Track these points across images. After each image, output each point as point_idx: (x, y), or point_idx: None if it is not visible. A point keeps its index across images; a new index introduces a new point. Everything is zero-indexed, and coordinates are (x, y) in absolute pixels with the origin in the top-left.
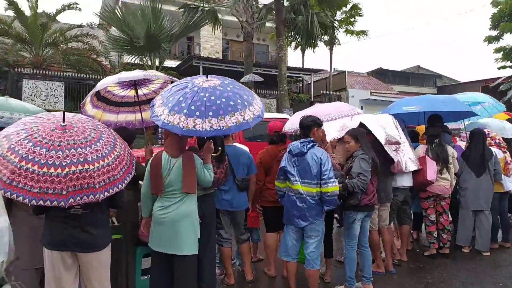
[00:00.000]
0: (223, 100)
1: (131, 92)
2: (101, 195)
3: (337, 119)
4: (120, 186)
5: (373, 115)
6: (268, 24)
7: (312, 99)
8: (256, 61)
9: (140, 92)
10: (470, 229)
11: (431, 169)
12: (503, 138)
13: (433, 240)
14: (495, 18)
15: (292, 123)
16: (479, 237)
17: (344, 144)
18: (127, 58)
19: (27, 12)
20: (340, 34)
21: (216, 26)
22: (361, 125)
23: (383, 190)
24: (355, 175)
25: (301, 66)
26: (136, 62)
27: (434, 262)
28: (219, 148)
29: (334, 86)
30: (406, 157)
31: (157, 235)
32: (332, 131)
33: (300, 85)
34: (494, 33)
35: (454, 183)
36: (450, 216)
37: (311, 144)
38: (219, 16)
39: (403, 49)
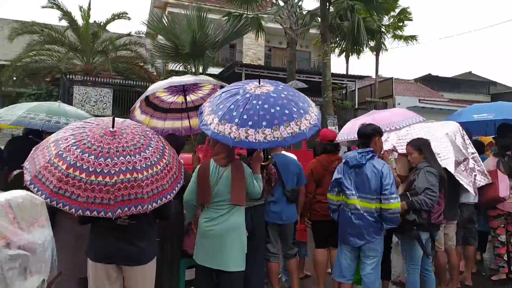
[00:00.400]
0: (278, 108)
1: (179, 99)
2: (150, 206)
3: (401, 128)
4: (168, 196)
5: (438, 123)
6: (311, 30)
7: (357, 106)
8: (299, 68)
9: (188, 98)
10: None
11: (504, 184)
12: None
13: (503, 264)
14: None
15: (347, 131)
16: None
17: (405, 156)
18: (172, 66)
19: (80, 22)
20: (388, 39)
21: (259, 33)
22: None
23: (449, 206)
24: (421, 190)
25: (345, 73)
26: (180, 69)
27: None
28: (269, 156)
29: (379, 93)
30: (476, 170)
31: (203, 249)
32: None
33: (344, 92)
34: None
35: None
36: None
37: (371, 155)
38: (263, 23)
39: (454, 55)
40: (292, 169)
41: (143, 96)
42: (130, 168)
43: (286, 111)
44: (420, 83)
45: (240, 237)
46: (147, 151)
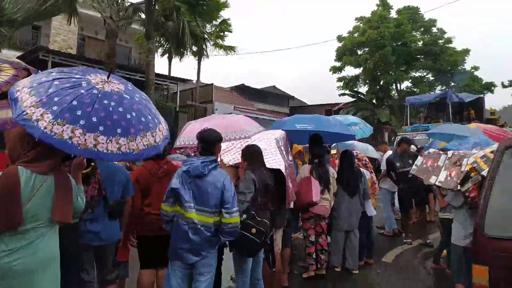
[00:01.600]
0: (134, 114)
1: None
2: None
3: (250, 137)
4: None
5: (269, 131)
6: (133, 25)
7: (178, 109)
8: (118, 62)
9: None
10: (341, 248)
11: (316, 189)
12: (368, 158)
13: (312, 262)
14: (339, 52)
15: (187, 135)
16: (349, 256)
17: (232, 167)
18: None
19: None
20: (210, 46)
21: (72, 18)
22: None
23: (279, 214)
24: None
25: (167, 74)
26: None
27: (312, 284)
28: (92, 164)
29: (200, 98)
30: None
31: None
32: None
33: (165, 93)
34: (338, 64)
35: (333, 203)
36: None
37: (214, 164)
38: (77, 7)
39: (262, 69)
40: (119, 179)
41: None
42: None
43: (143, 119)
44: (235, 92)
45: (55, 272)
46: None
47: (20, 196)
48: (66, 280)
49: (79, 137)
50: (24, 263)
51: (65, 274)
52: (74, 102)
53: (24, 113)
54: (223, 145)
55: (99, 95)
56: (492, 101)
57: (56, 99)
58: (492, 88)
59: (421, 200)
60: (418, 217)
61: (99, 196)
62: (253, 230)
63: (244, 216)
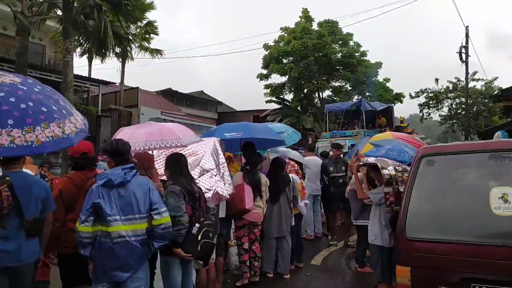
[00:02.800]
0: (30, 104)
1: None
2: None
3: (187, 145)
4: None
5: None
6: (48, 22)
7: (100, 113)
8: (30, 62)
9: None
10: (273, 254)
11: (249, 196)
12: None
13: (246, 270)
14: (266, 59)
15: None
16: (281, 261)
17: None
18: None
19: None
20: (135, 48)
21: None
22: None
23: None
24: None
25: (87, 76)
26: None
27: None
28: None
29: (124, 102)
30: (225, 179)
31: None
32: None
33: (86, 96)
34: (265, 71)
35: (265, 210)
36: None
37: (135, 171)
38: None
39: (190, 74)
40: (36, 192)
41: None
42: None
43: (43, 109)
44: (162, 96)
45: None
46: None
47: None
48: None
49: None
50: None
51: None
52: None
53: None
54: (155, 152)
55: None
56: (401, 110)
57: None
58: (401, 98)
59: (347, 205)
60: (343, 220)
61: (9, 211)
62: (211, 235)
63: (197, 225)
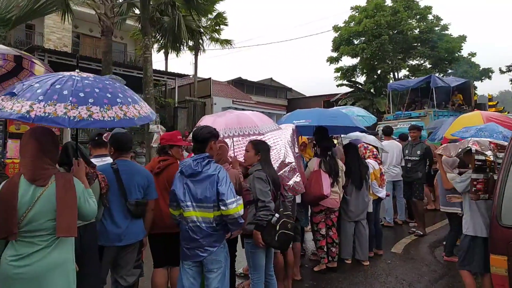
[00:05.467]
0: (110, 90)
1: None
2: None
3: (264, 134)
4: None
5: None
6: (128, 21)
7: (177, 105)
8: (114, 60)
9: None
10: (351, 240)
11: (326, 182)
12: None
13: (324, 255)
14: (336, 42)
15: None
16: (359, 247)
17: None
18: None
19: None
20: (206, 40)
21: (66, 15)
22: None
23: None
24: (256, 200)
25: (164, 70)
26: None
27: (325, 277)
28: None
29: (198, 93)
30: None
31: None
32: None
33: (163, 89)
34: (335, 54)
35: (342, 196)
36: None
37: (207, 160)
38: (71, 4)
39: (259, 62)
40: (138, 180)
41: None
42: None
43: (120, 95)
44: (232, 85)
45: (67, 277)
46: None
47: (16, 207)
48: (86, 280)
49: (73, 110)
50: (32, 269)
51: (85, 275)
52: (57, 86)
53: (12, 109)
54: (234, 140)
55: (78, 78)
56: (489, 87)
57: (38, 91)
58: (490, 73)
59: (417, 192)
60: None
61: (111, 193)
62: (289, 226)
63: (277, 215)
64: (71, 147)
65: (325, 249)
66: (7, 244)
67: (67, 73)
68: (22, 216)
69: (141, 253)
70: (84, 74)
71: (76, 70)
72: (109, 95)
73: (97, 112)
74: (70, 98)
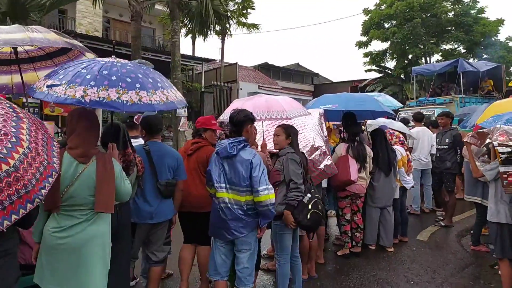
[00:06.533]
0: (151, 76)
1: (4, 49)
2: (6, 222)
3: (291, 118)
4: (37, 199)
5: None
6: (156, 6)
7: (203, 89)
8: (143, 45)
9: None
10: (376, 226)
11: (354, 168)
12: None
13: (347, 240)
14: (365, 25)
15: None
16: (383, 233)
17: None
18: None
19: None
20: (233, 25)
21: (97, 0)
22: None
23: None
24: (288, 182)
25: (191, 54)
26: None
27: (348, 262)
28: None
29: (224, 78)
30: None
31: (49, 267)
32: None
33: (190, 74)
34: (364, 39)
35: (368, 181)
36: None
37: (243, 144)
38: None
39: (285, 46)
40: (168, 161)
41: None
42: None
43: (158, 79)
44: (259, 70)
45: (104, 249)
46: None
47: (59, 181)
48: (121, 255)
49: (125, 95)
50: (72, 240)
51: (120, 250)
52: (104, 72)
53: (66, 95)
54: (264, 124)
55: (119, 64)
56: None
57: (87, 76)
58: None
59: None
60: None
61: (146, 174)
62: (320, 207)
63: (309, 195)
64: (122, 130)
65: (349, 234)
66: (49, 217)
67: (106, 59)
68: (64, 190)
69: (170, 230)
70: (122, 60)
71: (113, 56)
72: (151, 80)
73: (145, 96)
74: (120, 84)
